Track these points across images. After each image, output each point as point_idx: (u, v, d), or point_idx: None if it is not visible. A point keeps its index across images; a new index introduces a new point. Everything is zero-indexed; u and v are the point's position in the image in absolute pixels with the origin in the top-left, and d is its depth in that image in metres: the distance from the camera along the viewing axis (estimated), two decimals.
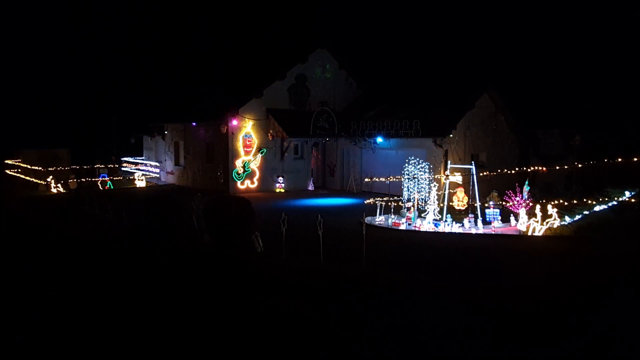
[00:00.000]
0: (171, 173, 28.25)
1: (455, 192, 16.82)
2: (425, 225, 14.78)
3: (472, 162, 17.96)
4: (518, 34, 35.95)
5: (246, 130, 23.05)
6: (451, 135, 20.21)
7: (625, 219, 13.68)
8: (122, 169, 31.26)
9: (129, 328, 1.98)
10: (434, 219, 14.99)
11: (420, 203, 16.27)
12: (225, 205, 2.32)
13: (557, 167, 17.92)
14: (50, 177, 25.08)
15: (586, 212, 14.21)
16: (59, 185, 24.74)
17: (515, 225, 14.32)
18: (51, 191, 24.50)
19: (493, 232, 14.18)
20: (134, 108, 39.93)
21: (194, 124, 24.94)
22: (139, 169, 29.89)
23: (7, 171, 30.61)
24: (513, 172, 17.65)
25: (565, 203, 15.18)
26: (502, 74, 25.65)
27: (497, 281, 8.80)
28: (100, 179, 26.15)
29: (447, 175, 16.14)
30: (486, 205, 15.55)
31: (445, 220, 14.79)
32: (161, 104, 34.48)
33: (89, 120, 42.87)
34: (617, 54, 30.70)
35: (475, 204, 15.17)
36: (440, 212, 15.41)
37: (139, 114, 35.82)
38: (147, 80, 43.51)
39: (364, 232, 10.05)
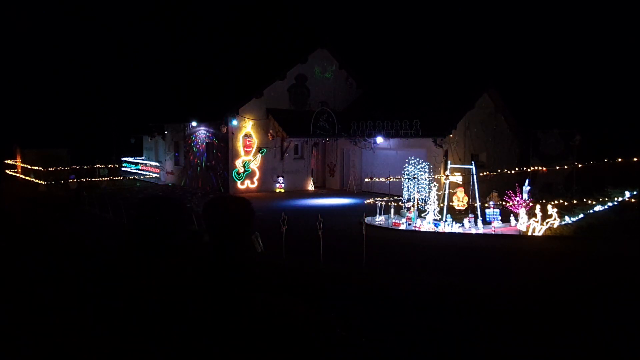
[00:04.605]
0: (171, 173, 28.24)
1: (455, 192, 16.80)
2: (425, 225, 14.77)
3: (472, 162, 17.93)
4: (518, 34, 36.01)
5: (246, 130, 23.05)
6: (451, 135, 20.21)
7: (625, 219, 13.66)
8: (122, 169, 31.25)
9: (128, 328, 1.98)
10: (434, 219, 14.97)
11: (420, 203, 16.25)
12: (225, 205, 2.31)
13: (557, 167, 17.91)
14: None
15: (586, 212, 14.20)
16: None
17: (515, 226, 14.30)
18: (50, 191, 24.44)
19: (493, 232, 14.17)
20: (134, 108, 39.91)
21: (194, 123, 24.94)
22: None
23: (7, 171, 30.64)
24: (513, 172, 17.64)
25: (565, 203, 15.17)
26: (502, 74, 25.71)
27: (497, 281, 8.80)
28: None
29: (447, 175, 16.13)
30: (486, 205, 15.53)
31: (445, 221, 14.77)
32: (161, 104, 34.46)
33: (89, 120, 42.89)
34: (617, 53, 30.72)
35: (475, 204, 15.16)
36: (440, 212, 15.39)
37: (139, 114, 35.79)
38: (147, 80, 43.54)
39: (364, 232, 10.05)
